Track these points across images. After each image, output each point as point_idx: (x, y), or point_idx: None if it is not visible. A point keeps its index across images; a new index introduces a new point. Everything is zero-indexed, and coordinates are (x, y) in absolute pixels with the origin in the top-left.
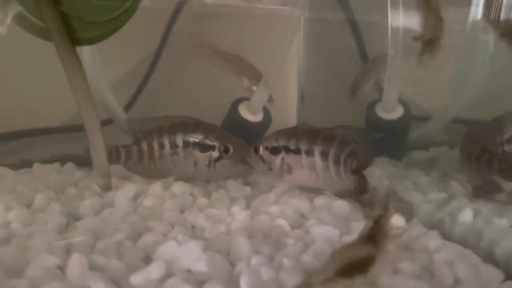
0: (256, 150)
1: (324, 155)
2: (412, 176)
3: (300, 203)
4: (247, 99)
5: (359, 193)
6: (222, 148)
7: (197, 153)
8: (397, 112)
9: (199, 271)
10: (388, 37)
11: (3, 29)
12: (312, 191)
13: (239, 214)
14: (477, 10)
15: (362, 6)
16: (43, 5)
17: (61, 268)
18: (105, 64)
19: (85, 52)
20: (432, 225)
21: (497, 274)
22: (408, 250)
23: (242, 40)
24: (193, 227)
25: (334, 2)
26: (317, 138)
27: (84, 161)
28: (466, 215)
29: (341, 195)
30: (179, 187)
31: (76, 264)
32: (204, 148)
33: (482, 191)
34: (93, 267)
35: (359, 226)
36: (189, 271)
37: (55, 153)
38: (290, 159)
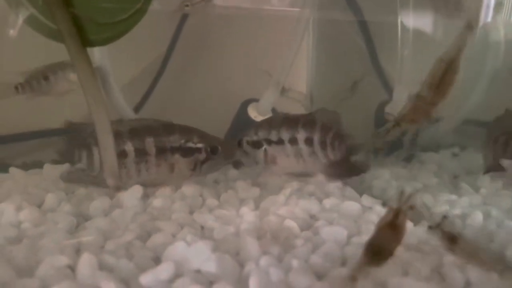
0: (240, 144)
1: (309, 142)
2: (421, 178)
3: (309, 204)
4: (256, 100)
5: (352, 174)
6: (209, 149)
7: (178, 159)
8: None
9: (208, 271)
10: (397, 37)
11: (14, 32)
12: (300, 176)
13: (248, 215)
14: (488, 12)
15: (371, 6)
16: (54, 7)
17: (72, 268)
18: (115, 65)
19: (95, 53)
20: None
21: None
22: (418, 251)
23: (251, 41)
24: (202, 227)
25: (343, 2)
26: (297, 126)
27: None
28: (476, 217)
29: (332, 176)
30: (188, 188)
31: (86, 264)
32: (188, 152)
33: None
34: (103, 267)
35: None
36: (198, 271)
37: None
38: (273, 150)
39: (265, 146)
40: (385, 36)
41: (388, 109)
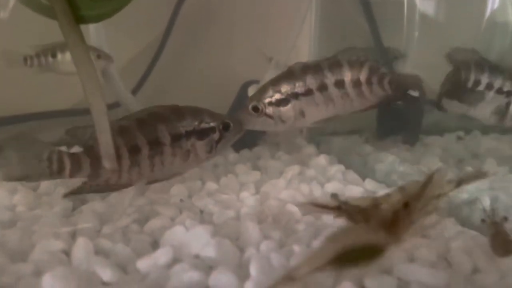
0: (257, 110)
1: (340, 84)
2: (426, 161)
3: (310, 188)
4: (257, 82)
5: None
6: (221, 126)
7: (194, 143)
8: None
9: (208, 256)
10: (401, 17)
11: (5, 13)
12: (326, 121)
13: (248, 199)
14: None
15: None
16: None
17: (67, 253)
18: (112, 46)
19: (91, 31)
20: (449, 212)
21: None
22: (424, 237)
23: (253, 20)
24: (202, 212)
25: None
26: (321, 71)
27: None
28: (484, 202)
29: (369, 108)
30: (187, 172)
31: (81, 248)
32: (203, 133)
33: None
34: (98, 252)
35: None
36: (197, 256)
37: (62, 137)
38: (302, 103)
39: (292, 101)
40: (389, 16)
41: None
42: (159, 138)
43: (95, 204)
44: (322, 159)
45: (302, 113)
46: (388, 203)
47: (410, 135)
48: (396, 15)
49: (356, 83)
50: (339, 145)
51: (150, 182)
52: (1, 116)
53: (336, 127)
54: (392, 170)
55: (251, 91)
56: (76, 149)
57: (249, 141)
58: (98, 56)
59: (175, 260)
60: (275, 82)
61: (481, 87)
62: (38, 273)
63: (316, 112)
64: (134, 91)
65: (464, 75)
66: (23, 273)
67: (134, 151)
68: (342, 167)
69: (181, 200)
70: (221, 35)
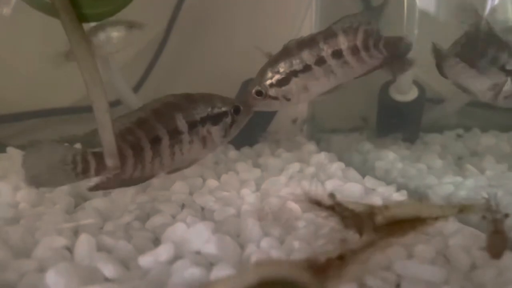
0: (260, 94)
1: (338, 54)
2: (425, 159)
3: (311, 185)
4: None
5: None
6: (232, 110)
7: (209, 129)
8: (412, 94)
9: (209, 253)
10: (402, 15)
11: (8, 10)
12: (331, 91)
13: (248, 197)
14: None
15: None
16: None
17: (69, 249)
18: None
19: None
20: None
21: None
22: (422, 234)
23: (254, 17)
24: (202, 209)
25: None
26: (317, 45)
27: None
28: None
29: (372, 70)
30: (188, 169)
31: (84, 245)
32: (217, 118)
33: None
34: (101, 248)
35: None
36: (198, 253)
37: (64, 134)
38: (304, 78)
39: (293, 78)
40: (389, 13)
41: (392, 90)
42: (178, 126)
43: (97, 201)
44: (322, 157)
45: (305, 88)
46: (383, 214)
47: (410, 132)
48: (396, 13)
49: (354, 50)
50: (339, 142)
51: (170, 172)
52: (5, 113)
53: (336, 125)
54: (392, 167)
55: None
56: None
57: (249, 138)
58: (131, 26)
59: (177, 257)
60: (273, 63)
61: (487, 59)
62: (41, 269)
63: (319, 84)
64: (136, 89)
65: (474, 43)
66: (27, 269)
67: (156, 142)
68: (342, 164)
69: (183, 206)
70: (223, 33)
